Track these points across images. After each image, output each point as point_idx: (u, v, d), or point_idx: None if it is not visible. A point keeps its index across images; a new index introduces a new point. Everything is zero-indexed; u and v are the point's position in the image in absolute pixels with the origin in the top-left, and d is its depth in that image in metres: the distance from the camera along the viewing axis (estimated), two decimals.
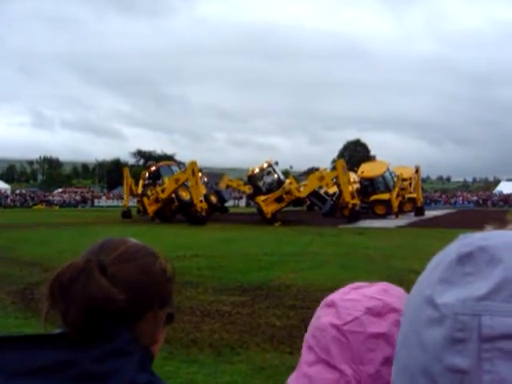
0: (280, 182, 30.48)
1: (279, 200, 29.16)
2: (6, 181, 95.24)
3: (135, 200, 38.82)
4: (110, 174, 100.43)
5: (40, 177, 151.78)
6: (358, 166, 39.76)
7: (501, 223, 0.54)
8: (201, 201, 28.34)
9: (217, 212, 35.39)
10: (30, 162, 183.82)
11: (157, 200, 30.20)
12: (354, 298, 0.74)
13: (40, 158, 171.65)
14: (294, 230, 23.61)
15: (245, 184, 44.32)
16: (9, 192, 65.02)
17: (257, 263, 12.10)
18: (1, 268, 11.26)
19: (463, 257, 0.47)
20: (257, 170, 31.26)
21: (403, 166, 40.61)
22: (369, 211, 34.11)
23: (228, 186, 43.55)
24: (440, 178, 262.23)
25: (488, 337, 0.42)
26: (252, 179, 31.73)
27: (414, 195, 36.95)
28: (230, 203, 47.37)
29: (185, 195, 29.47)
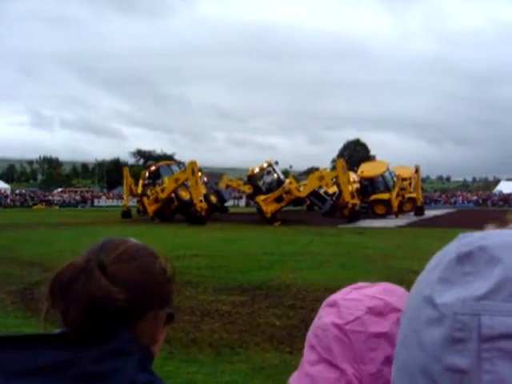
0: (280, 182, 30.48)
1: (279, 200, 29.16)
2: (6, 181, 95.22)
3: (135, 200, 38.82)
4: (110, 173, 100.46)
5: (40, 177, 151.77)
6: (357, 166, 39.77)
7: (501, 223, 0.55)
8: (200, 200, 28.34)
9: (216, 212, 35.38)
10: (30, 162, 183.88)
11: (156, 200, 30.20)
12: (355, 298, 0.74)
13: (40, 157, 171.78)
14: (293, 230, 23.61)
15: (244, 184, 44.32)
16: (8, 192, 64.99)
17: (256, 263, 12.10)
18: (1, 268, 11.25)
19: (463, 256, 0.47)
20: (257, 170, 31.25)
21: (403, 165, 40.62)
22: (369, 211, 34.12)
23: (228, 186, 43.53)
24: (440, 178, 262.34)
25: (487, 336, 0.42)
26: (252, 179, 31.73)
27: (413, 195, 36.95)
28: (229, 203, 47.39)
29: (184, 195, 29.47)
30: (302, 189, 30.41)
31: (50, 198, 64.76)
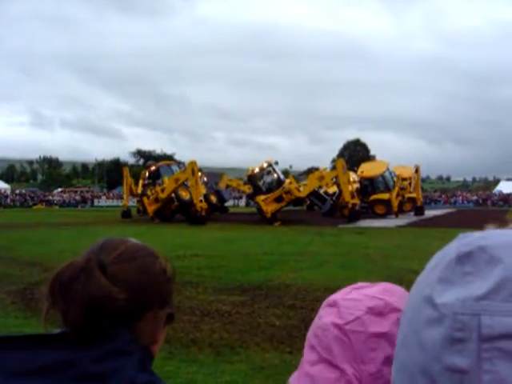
0: (280, 182, 30.48)
1: (279, 200, 29.16)
2: (6, 181, 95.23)
3: (135, 200, 38.82)
4: (110, 173, 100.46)
5: (40, 177, 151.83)
6: (357, 166, 39.80)
7: (501, 223, 0.55)
8: (200, 200, 28.34)
9: (217, 212, 35.38)
10: (30, 162, 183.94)
11: (156, 200, 30.19)
12: (355, 298, 0.74)
13: (40, 157, 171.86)
14: (293, 230, 23.61)
15: (245, 184, 44.35)
16: (8, 192, 64.98)
17: (256, 263, 12.10)
18: (1, 268, 11.25)
19: (463, 256, 0.47)
20: (257, 170, 31.24)
21: (403, 165, 40.63)
22: (369, 211, 34.13)
23: (228, 186, 43.54)
24: (440, 178, 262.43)
25: (487, 336, 0.42)
26: (252, 179, 31.72)
27: (413, 195, 36.96)
28: (229, 203, 47.37)
29: (184, 195, 29.47)
30: (302, 189, 30.42)
31: (50, 197, 64.76)
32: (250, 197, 36.55)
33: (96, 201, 64.80)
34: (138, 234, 18.39)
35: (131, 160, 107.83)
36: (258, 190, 30.56)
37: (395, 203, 33.94)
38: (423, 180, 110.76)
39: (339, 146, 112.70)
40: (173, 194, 29.64)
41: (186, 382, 4.64)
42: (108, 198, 69.03)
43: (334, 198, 33.59)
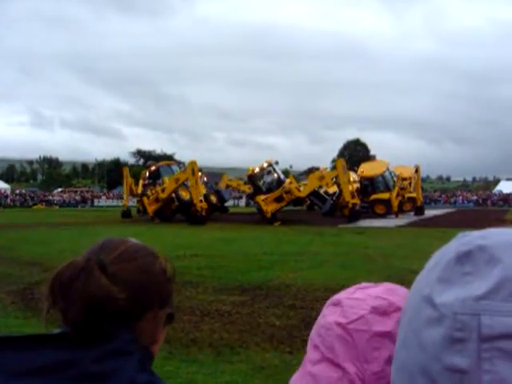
0: (280, 182, 30.48)
1: (279, 199, 29.17)
2: (6, 181, 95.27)
3: (135, 200, 38.82)
4: (110, 173, 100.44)
5: (40, 177, 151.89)
6: (357, 166, 39.80)
7: (500, 222, 0.54)
8: (201, 200, 28.35)
9: (217, 212, 35.38)
10: (30, 162, 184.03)
11: (157, 200, 30.20)
12: (359, 297, 0.74)
13: (40, 157, 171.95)
14: (293, 230, 23.62)
15: (245, 183, 44.34)
16: (8, 192, 64.99)
17: (257, 263, 12.10)
18: (1, 268, 11.26)
19: (462, 256, 0.47)
20: (257, 170, 31.23)
21: (403, 165, 40.66)
22: (369, 211, 34.13)
23: (228, 186, 43.54)
24: (440, 178, 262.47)
25: (487, 336, 0.42)
26: (252, 179, 31.71)
27: (413, 195, 36.98)
28: (229, 203, 47.37)
29: (185, 195, 29.48)
30: (302, 189, 30.42)
31: (50, 197, 64.76)
32: (250, 197, 36.53)
33: (96, 201, 64.81)
34: (138, 234, 18.40)
35: (131, 160, 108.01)
36: (258, 190, 30.55)
37: (395, 203, 33.94)
38: (423, 180, 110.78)
39: (339, 145, 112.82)
40: (173, 194, 29.64)
41: (186, 381, 4.64)
42: (108, 198, 69.03)
43: (334, 197, 33.58)
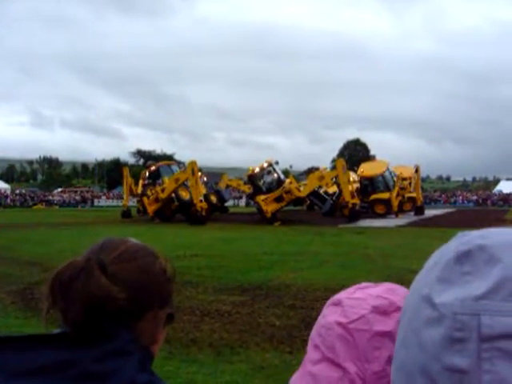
0: (280, 182, 30.47)
1: (279, 199, 29.16)
2: (6, 181, 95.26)
3: (135, 200, 38.82)
4: (110, 173, 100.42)
5: (40, 177, 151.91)
6: (357, 166, 39.80)
7: (500, 222, 0.54)
8: (201, 200, 28.34)
9: (217, 212, 35.38)
10: (30, 162, 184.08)
11: (157, 200, 30.20)
12: (360, 297, 0.74)
13: (40, 157, 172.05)
14: (293, 230, 23.61)
15: (245, 183, 44.33)
16: (9, 192, 64.98)
17: (257, 263, 12.10)
18: (1, 268, 11.25)
19: (462, 256, 0.47)
20: (257, 170, 31.22)
21: (403, 165, 40.66)
22: (369, 211, 34.13)
23: (228, 186, 43.53)
24: (440, 178, 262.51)
25: (487, 336, 0.42)
26: (252, 179, 31.70)
27: (413, 194, 36.98)
28: (229, 203, 47.36)
29: (185, 195, 29.48)
30: (302, 189, 30.41)
31: (50, 197, 64.75)
32: (250, 197, 36.53)
33: (96, 201, 64.80)
34: (138, 234, 18.39)
35: (131, 160, 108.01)
36: (258, 190, 30.55)
37: (395, 203, 33.94)
38: (423, 180, 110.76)
39: (339, 145, 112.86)
40: (173, 194, 29.64)
41: (186, 381, 4.64)
42: (108, 197, 69.03)
43: (334, 197, 33.58)
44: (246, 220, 30.94)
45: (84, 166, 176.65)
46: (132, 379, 0.83)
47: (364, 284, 0.79)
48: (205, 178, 36.67)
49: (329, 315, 0.74)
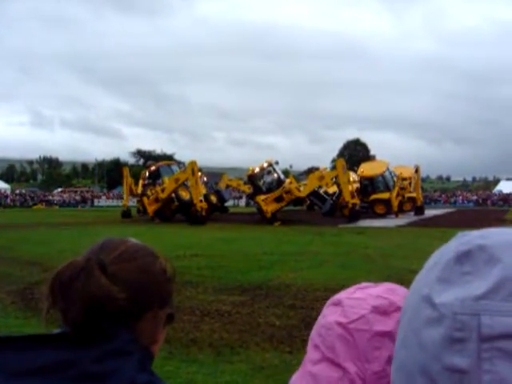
0: (280, 182, 30.47)
1: (279, 199, 29.16)
2: (6, 181, 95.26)
3: (135, 200, 38.82)
4: (110, 173, 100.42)
5: (40, 177, 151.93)
6: (357, 166, 39.80)
7: (500, 222, 0.54)
8: (201, 200, 28.34)
9: (217, 212, 35.38)
10: (30, 162, 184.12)
11: (157, 200, 30.20)
12: (360, 297, 0.74)
13: (40, 157, 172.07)
14: (293, 230, 23.61)
15: (245, 183, 44.33)
16: (8, 192, 64.99)
17: (257, 263, 12.10)
18: (1, 268, 11.25)
19: (462, 256, 0.47)
20: (257, 170, 31.22)
21: (403, 165, 40.68)
22: (369, 211, 34.13)
23: (228, 186, 43.53)
24: (440, 178, 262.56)
25: (487, 336, 0.42)
26: (252, 179, 31.70)
27: (413, 194, 36.99)
28: (229, 203, 47.36)
29: (185, 195, 29.48)
30: (302, 189, 30.41)
31: (50, 197, 64.76)
32: (250, 197, 36.52)
33: (96, 201, 64.80)
34: (138, 234, 18.39)
35: (131, 160, 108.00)
36: (258, 190, 30.54)
37: (395, 203, 33.94)
38: (423, 180, 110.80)
39: (339, 145, 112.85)
40: (173, 194, 29.64)
41: (186, 381, 4.64)
42: (108, 197, 69.03)
43: (334, 197, 33.57)
44: (246, 220, 30.93)
45: (84, 165, 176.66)
46: (132, 379, 0.83)
47: (364, 284, 0.79)
48: (205, 178, 36.67)
49: (329, 315, 0.74)
